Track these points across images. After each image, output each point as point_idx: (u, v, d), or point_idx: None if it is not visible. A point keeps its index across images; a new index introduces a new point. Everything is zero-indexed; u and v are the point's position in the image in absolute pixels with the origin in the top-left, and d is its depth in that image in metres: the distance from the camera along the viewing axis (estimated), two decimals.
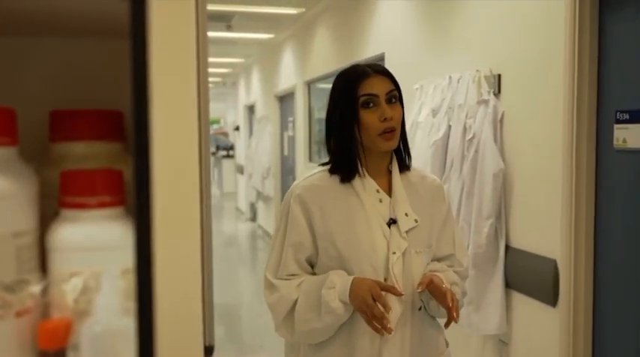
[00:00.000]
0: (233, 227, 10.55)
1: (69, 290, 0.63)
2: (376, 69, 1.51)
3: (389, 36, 4.41)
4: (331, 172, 1.54)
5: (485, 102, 2.87)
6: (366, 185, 1.53)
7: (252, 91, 10.65)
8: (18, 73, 0.81)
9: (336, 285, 1.43)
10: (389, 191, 1.55)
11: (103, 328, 0.57)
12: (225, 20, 6.52)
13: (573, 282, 2.40)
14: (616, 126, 2.28)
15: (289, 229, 1.52)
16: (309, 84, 6.86)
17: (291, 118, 7.74)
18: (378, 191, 1.53)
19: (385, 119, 1.45)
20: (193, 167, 0.64)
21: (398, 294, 1.41)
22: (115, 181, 0.67)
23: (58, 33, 0.79)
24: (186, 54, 0.62)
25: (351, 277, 1.44)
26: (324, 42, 6.09)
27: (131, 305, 0.62)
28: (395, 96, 1.50)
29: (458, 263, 1.63)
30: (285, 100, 8.23)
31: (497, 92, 2.89)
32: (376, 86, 1.48)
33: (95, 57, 0.83)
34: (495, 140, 2.83)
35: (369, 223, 1.49)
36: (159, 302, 0.56)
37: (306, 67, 6.81)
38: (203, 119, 0.80)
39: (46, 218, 0.69)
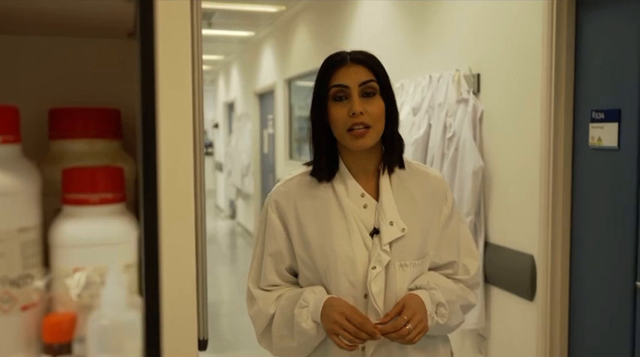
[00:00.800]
0: (212, 225, 10.51)
1: (72, 285, 0.64)
2: (355, 57, 1.34)
3: (369, 35, 4.45)
4: (312, 173, 1.39)
5: (465, 101, 2.92)
6: (349, 188, 1.36)
7: (232, 88, 10.62)
8: (16, 71, 0.82)
9: (309, 304, 1.30)
10: (376, 195, 1.37)
11: (110, 321, 0.58)
12: (205, 17, 6.50)
13: (550, 277, 2.47)
14: (591, 125, 2.34)
15: (267, 237, 1.40)
16: (290, 82, 6.87)
17: (271, 116, 7.74)
18: (363, 195, 1.36)
19: (354, 114, 1.27)
20: (190, 164, 0.66)
21: (370, 335, 1.22)
22: (116, 178, 0.69)
23: (57, 32, 0.80)
24: (185, 54, 0.64)
25: (325, 297, 1.30)
26: (305, 40, 6.11)
27: (135, 299, 0.64)
28: (372, 88, 1.31)
29: (463, 270, 1.43)
30: (265, 97, 8.23)
31: (477, 91, 2.95)
32: (349, 76, 1.30)
33: (93, 56, 0.84)
34: (475, 138, 2.88)
35: (350, 232, 1.32)
36: (163, 296, 0.58)
37: (286, 65, 6.81)
38: (199, 117, 0.82)
39: (47, 215, 0.70)
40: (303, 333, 1.31)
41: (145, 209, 0.54)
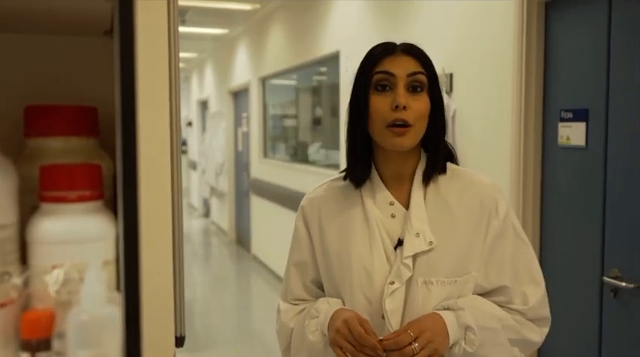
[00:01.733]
0: (186, 223, 10.43)
1: (51, 282, 0.64)
2: (405, 47, 1.18)
3: (343, 34, 4.47)
4: (345, 176, 1.26)
5: None
6: (377, 195, 1.21)
7: (206, 86, 10.55)
8: None
9: (320, 314, 1.19)
10: (408, 204, 1.21)
11: (89, 316, 0.59)
12: (179, 15, 6.44)
13: None
14: (560, 124, 2.41)
15: (293, 247, 1.31)
16: (264, 80, 6.87)
17: (245, 114, 7.72)
18: (392, 204, 1.21)
19: (397, 107, 1.11)
20: (168, 161, 0.67)
21: (373, 350, 1.07)
22: (94, 175, 0.69)
23: (34, 30, 0.80)
24: (162, 51, 0.64)
25: (336, 308, 1.18)
26: (279, 39, 6.10)
27: (114, 295, 0.64)
28: (420, 82, 1.15)
29: (520, 299, 1.21)
30: (239, 96, 8.20)
31: (450, 91, 2.99)
32: (397, 65, 1.15)
33: (70, 54, 0.84)
34: (447, 137, 2.92)
35: (371, 242, 1.18)
36: (142, 293, 0.59)
37: (260, 64, 6.80)
38: (176, 114, 0.82)
39: (23, 212, 0.70)
40: (310, 346, 1.19)
41: (124, 206, 0.55)
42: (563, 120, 2.39)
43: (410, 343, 1.06)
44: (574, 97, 2.35)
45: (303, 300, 1.30)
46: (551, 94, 2.48)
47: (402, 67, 1.15)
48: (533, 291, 1.22)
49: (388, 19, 3.72)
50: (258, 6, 6.19)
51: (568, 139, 2.37)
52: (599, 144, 2.22)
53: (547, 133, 2.50)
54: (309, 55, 5.26)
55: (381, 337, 1.09)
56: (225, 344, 4.68)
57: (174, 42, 0.77)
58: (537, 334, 1.24)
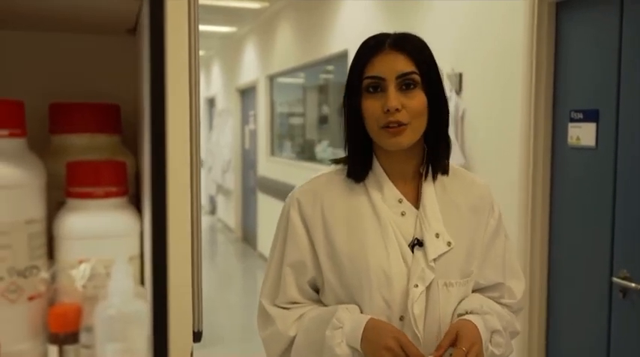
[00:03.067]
0: None
1: (77, 277, 0.66)
2: (395, 42, 1.13)
3: (352, 33, 4.48)
4: (347, 173, 1.21)
5: (447, 99, 2.96)
6: (385, 192, 1.17)
7: (213, 84, 10.57)
8: (17, 66, 0.83)
9: (345, 325, 1.11)
10: (416, 202, 1.18)
11: (117, 311, 0.60)
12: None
13: (528, 273, 2.52)
14: (570, 124, 2.40)
15: (288, 244, 1.20)
16: (272, 78, 6.88)
17: (252, 112, 7.73)
18: (400, 201, 1.17)
19: (388, 111, 1.09)
20: (187, 158, 0.68)
21: None
22: (119, 171, 0.70)
23: (59, 28, 0.81)
24: (185, 50, 0.66)
25: (366, 318, 1.10)
26: (287, 37, 6.11)
27: (141, 290, 0.66)
28: (412, 80, 1.11)
29: (509, 294, 1.25)
30: (246, 93, 8.21)
31: (459, 90, 2.99)
32: (385, 66, 1.11)
33: (93, 52, 0.85)
34: (457, 137, 2.93)
35: (385, 242, 1.14)
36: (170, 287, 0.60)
37: (268, 62, 6.81)
38: (195, 111, 0.83)
39: (49, 208, 0.72)
40: None
41: (153, 203, 0.56)
42: (573, 120, 2.39)
43: None
44: (584, 98, 2.35)
45: (296, 303, 1.21)
46: (561, 94, 2.48)
47: (390, 69, 1.11)
48: (518, 285, 1.27)
49: (396, 17, 3.72)
50: (266, 4, 6.20)
51: (578, 139, 2.37)
52: (609, 145, 2.22)
53: (557, 134, 2.50)
54: (317, 54, 5.26)
55: (431, 355, 1.07)
56: (231, 341, 4.70)
57: (194, 40, 0.78)
58: (519, 324, 1.29)
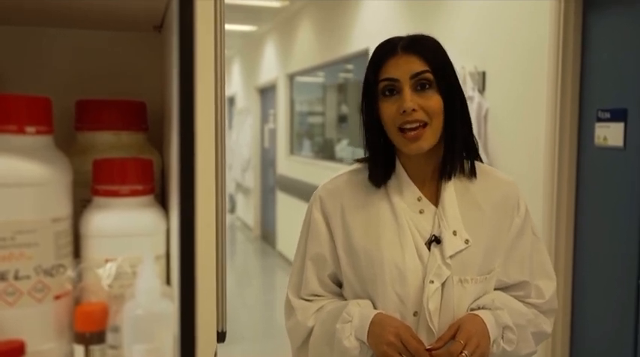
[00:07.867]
0: None
1: (104, 275, 0.65)
2: (406, 45, 1.15)
3: (373, 31, 4.45)
4: (369, 177, 1.22)
5: (470, 98, 2.93)
6: (404, 190, 1.19)
7: (233, 82, 10.61)
8: (43, 63, 0.82)
9: (353, 318, 1.15)
10: (435, 201, 1.20)
11: (145, 311, 0.59)
12: None
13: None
14: (597, 124, 2.36)
15: (310, 239, 1.25)
16: (292, 77, 6.87)
17: (272, 111, 7.73)
18: (419, 199, 1.19)
19: (404, 112, 1.10)
20: (213, 157, 0.67)
21: None
22: (146, 169, 0.69)
23: (85, 25, 0.80)
24: (212, 47, 0.65)
25: (374, 312, 1.14)
26: (307, 36, 6.10)
27: (167, 289, 0.65)
28: (427, 80, 1.13)
29: (536, 293, 1.24)
30: (266, 92, 8.22)
31: (482, 89, 2.95)
32: (399, 68, 1.13)
33: (119, 49, 0.84)
34: (479, 136, 2.89)
35: (401, 239, 1.16)
36: (198, 287, 0.59)
37: (288, 61, 6.81)
38: (221, 110, 0.82)
39: (74, 206, 0.71)
40: (344, 352, 1.15)
41: (181, 201, 0.55)
42: (600, 120, 2.34)
43: (461, 352, 1.07)
44: (612, 97, 2.30)
45: (318, 296, 1.26)
46: (587, 93, 2.43)
47: (404, 70, 1.13)
48: (547, 285, 1.26)
49: (418, 16, 3.69)
50: (287, 3, 6.19)
51: (605, 139, 2.32)
52: (637, 145, 2.17)
53: (583, 133, 2.45)
54: (337, 53, 5.24)
55: (429, 346, 1.09)
56: (251, 339, 4.71)
57: (220, 39, 0.77)
58: (549, 325, 1.27)
